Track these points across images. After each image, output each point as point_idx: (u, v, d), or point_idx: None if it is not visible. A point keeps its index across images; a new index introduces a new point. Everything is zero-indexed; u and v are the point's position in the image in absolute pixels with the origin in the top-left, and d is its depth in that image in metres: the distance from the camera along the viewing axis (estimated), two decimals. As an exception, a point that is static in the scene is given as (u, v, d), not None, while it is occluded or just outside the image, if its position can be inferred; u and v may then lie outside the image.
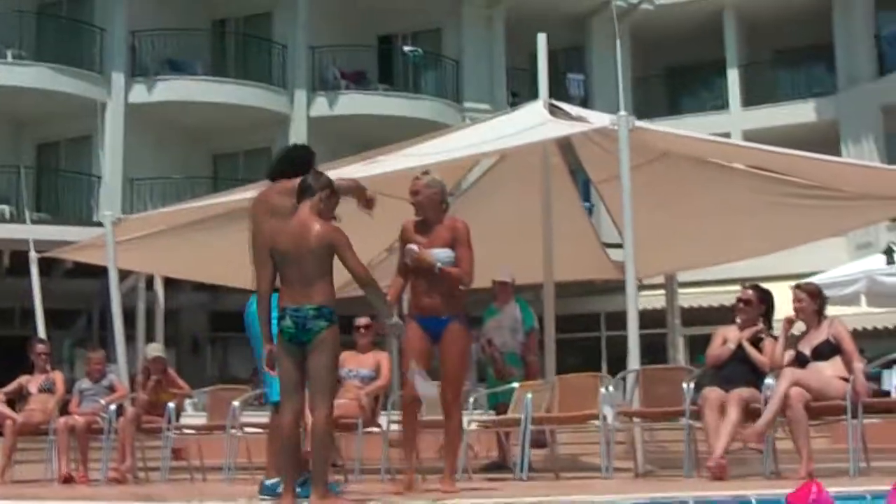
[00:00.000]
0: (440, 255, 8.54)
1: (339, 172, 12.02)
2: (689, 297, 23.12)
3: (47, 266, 21.46)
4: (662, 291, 19.69)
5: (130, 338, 23.33)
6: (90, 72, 28.11)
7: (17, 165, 22.04)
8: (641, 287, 21.11)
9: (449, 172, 13.88)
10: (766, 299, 10.08)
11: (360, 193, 8.64)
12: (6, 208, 24.93)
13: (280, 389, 7.63)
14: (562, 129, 12.00)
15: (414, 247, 8.57)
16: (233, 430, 11.56)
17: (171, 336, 26.67)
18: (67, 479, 11.79)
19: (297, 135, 28.98)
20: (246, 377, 24.29)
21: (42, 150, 28.99)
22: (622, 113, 10.55)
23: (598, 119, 11.83)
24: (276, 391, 7.99)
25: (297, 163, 8.51)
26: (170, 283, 24.02)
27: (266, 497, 7.96)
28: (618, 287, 14.70)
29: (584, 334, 27.68)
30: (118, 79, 28.38)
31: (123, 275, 24.22)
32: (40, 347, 13.24)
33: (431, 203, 8.79)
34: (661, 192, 13.23)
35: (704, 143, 13.08)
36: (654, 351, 20.77)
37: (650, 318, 21.73)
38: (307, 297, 7.51)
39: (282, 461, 7.66)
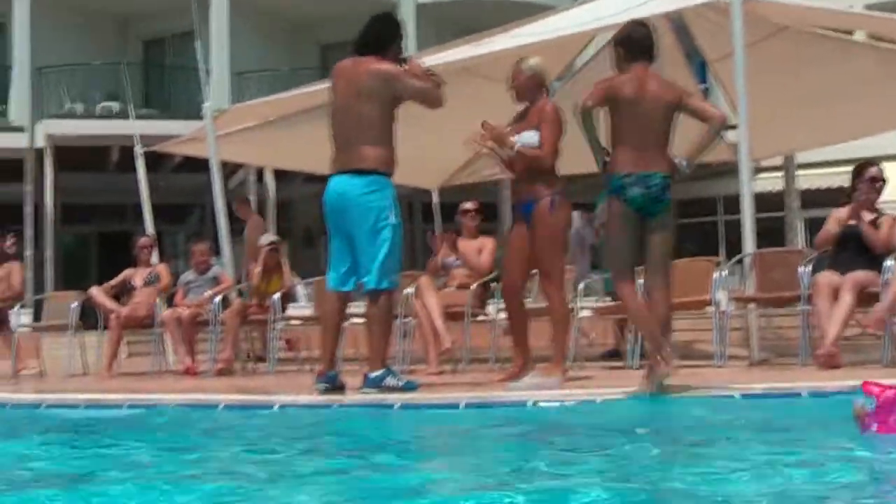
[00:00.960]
0: (525, 136, 8.22)
1: (446, 55, 11.83)
2: (808, 179, 22.63)
3: (156, 162, 21.60)
4: (780, 173, 19.30)
5: (238, 230, 23.64)
6: (194, -35, 27.89)
7: (119, 62, 21.83)
8: (758, 169, 21.00)
9: (556, 54, 13.60)
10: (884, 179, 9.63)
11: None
12: (114, 104, 24.94)
13: (614, 264, 7.23)
14: (673, 3, 11.54)
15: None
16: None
17: (284, 228, 26.80)
18: (189, 371, 11.82)
19: (406, 21, 28.61)
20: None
21: (149, 45, 28.90)
22: (736, -18, 10.05)
23: (714, -1, 11.39)
24: (374, 278, 7.80)
25: (381, 39, 8.11)
26: (281, 174, 24.08)
27: (370, 389, 7.72)
28: (735, 170, 14.29)
29: (702, 219, 27.31)
30: (224, -29, 28.12)
31: (233, 168, 24.56)
32: (143, 241, 13.29)
33: (529, 89, 8.46)
34: (777, 69, 12.79)
35: (824, 13, 12.53)
36: (772, 235, 20.35)
37: (768, 201, 21.39)
38: (658, 164, 7.09)
39: (650, 339, 7.16)
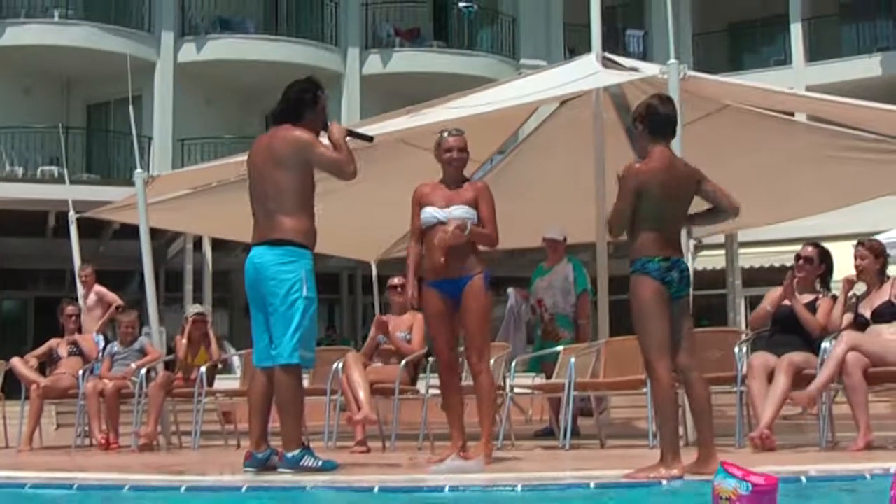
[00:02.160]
0: (462, 213, 8.14)
1: (385, 125, 11.67)
2: (750, 258, 22.60)
3: (97, 228, 21.33)
4: (722, 251, 19.32)
5: (177, 300, 23.33)
6: (139, 31, 27.86)
7: (59, 125, 21.59)
8: (701, 247, 20.93)
9: (499, 126, 13.50)
10: (826, 259, 9.46)
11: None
12: (55, 168, 24.65)
13: (653, 347, 6.76)
14: (611, 78, 11.47)
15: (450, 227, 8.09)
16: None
17: (222, 298, 26.53)
18: (105, 444, 11.47)
19: (350, 93, 28.81)
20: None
21: (92, 110, 28.69)
22: (672, 61, 9.96)
23: (652, 71, 11.30)
24: (284, 351, 7.51)
25: (297, 105, 7.81)
26: (220, 244, 23.79)
27: (287, 470, 7.43)
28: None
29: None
30: (167, 38, 28.15)
31: (173, 236, 24.26)
32: (70, 309, 13.00)
33: (464, 163, 8.41)
34: (719, 147, 12.70)
35: (759, 91, 12.53)
36: (714, 313, 20.34)
37: (710, 279, 21.43)
38: (681, 249, 6.94)
39: (664, 423, 6.74)
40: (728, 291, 19.70)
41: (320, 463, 7.46)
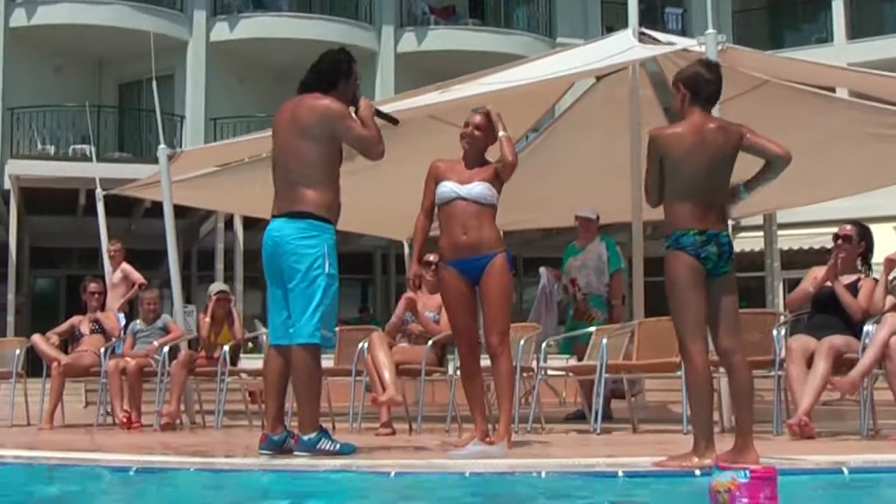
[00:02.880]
0: (481, 189, 7.86)
1: (416, 101, 11.42)
2: (789, 239, 22.26)
3: (128, 207, 21.21)
4: (761, 233, 18.97)
5: (208, 278, 23.17)
6: (171, 10, 27.72)
7: (86, 103, 21.42)
8: (739, 228, 20.61)
9: (533, 103, 13.22)
10: (866, 237, 9.10)
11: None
12: (86, 147, 24.53)
13: (686, 323, 6.38)
14: (646, 51, 11.16)
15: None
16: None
17: (254, 277, 26.32)
18: (127, 423, 11.23)
19: (385, 71, 28.56)
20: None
21: (124, 89, 28.55)
22: (710, 31, 9.64)
23: (688, 43, 11.00)
24: (303, 330, 7.24)
25: (330, 75, 7.47)
26: (251, 222, 23.61)
27: (303, 453, 7.17)
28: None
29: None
30: (199, 17, 28.14)
31: (205, 214, 24.12)
32: (92, 286, 12.77)
33: (479, 142, 8.10)
34: (757, 125, 12.27)
35: (801, 65, 12.18)
36: (752, 295, 19.97)
37: (748, 261, 21.05)
38: (724, 221, 6.51)
39: (698, 408, 6.40)
40: (766, 273, 19.32)
41: (338, 446, 7.17)
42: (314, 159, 7.26)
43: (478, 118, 8.06)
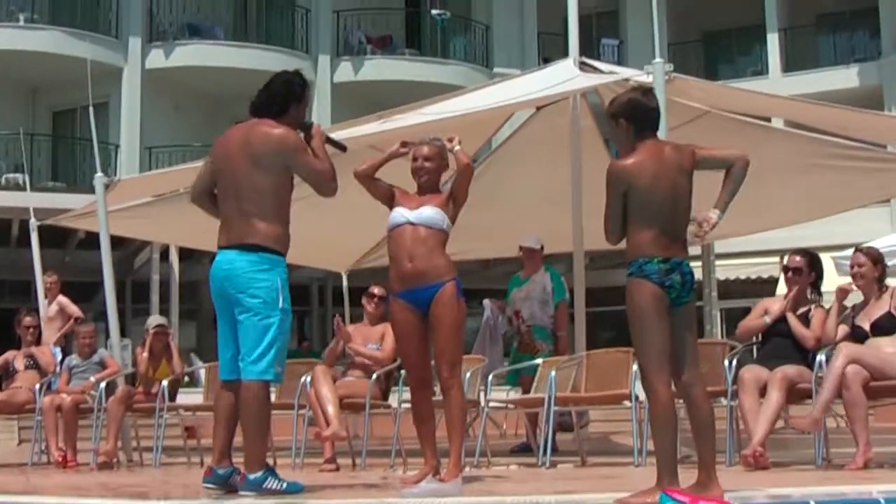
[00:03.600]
0: (431, 213, 7.59)
1: (355, 130, 11.28)
2: (726, 269, 22.32)
3: (62, 238, 20.89)
4: (699, 263, 18.99)
5: (143, 311, 22.87)
6: (106, 36, 27.45)
7: (19, 130, 21.12)
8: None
9: (472, 134, 13.10)
10: (815, 266, 9.06)
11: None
12: (19, 176, 24.19)
13: (652, 360, 6.19)
14: (590, 80, 11.12)
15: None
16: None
17: (191, 310, 26.09)
18: (63, 462, 10.93)
19: (321, 101, 28.50)
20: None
21: (57, 117, 28.18)
22: (658, 60, 9.61)
23: (633, 72, 10.95)
24: (255, 368, 6.95)
25: (282, 99, 7.19)
26: (188, 253, 23.36)
27: (248, 493, 6.96)
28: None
29: (620, 307, 26.85)
30: (135, 43, 27.76)
31: (139, 246, 23.82)
32: (27, 320, 12.49)
33: (432, 174, 7.85)
34: None
35: (747, 94, 12.21)
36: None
37: (686, 291, 21.07)
38: (685, 249, 6.31)
39: (662, 442, 6.23)
40: (705, 303, 19.43)
41: (284, 485, 6.91)
42: (266, 189, 6.99)
43: (425, 149, 7.82)
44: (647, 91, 6.75)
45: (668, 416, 6.20)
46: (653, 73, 9.63)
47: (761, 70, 30.63)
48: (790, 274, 9.00)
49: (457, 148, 7.74)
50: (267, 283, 6.95)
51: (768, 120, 13.92)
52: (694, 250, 18.50)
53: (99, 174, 12.42)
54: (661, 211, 6.21)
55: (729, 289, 22.32)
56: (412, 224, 7.58)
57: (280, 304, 6.97)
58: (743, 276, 24.42)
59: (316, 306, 29.02)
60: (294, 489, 6.92)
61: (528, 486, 7.14)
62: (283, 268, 7.07)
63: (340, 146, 7.73)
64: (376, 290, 10.58)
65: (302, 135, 7.19)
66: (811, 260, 9.08)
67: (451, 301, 7.52)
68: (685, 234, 6.36)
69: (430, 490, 6.77)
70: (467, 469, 8.65)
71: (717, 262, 19.58)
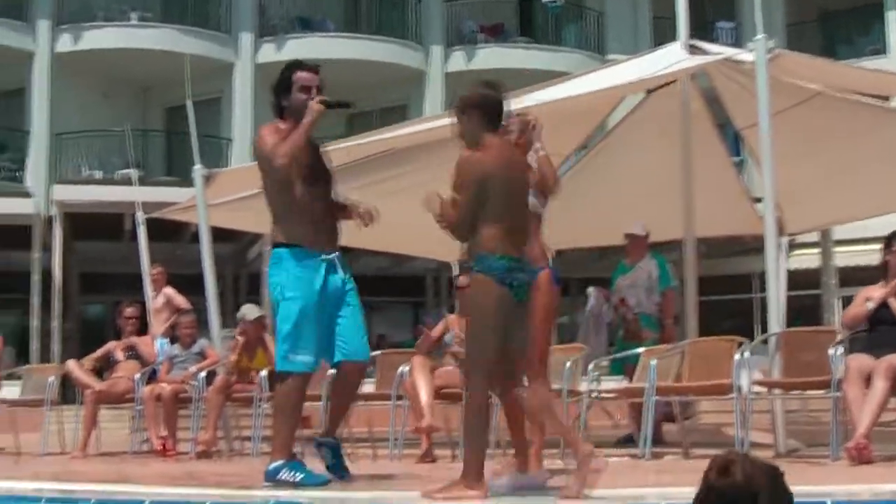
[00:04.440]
0: None
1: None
2: (846, 256, 21.74)
3: (175, 231, 21.01)
4: (817, 250, 18.58)
5: (256, 303, 22.91)
6: (217, 32, 27.67)
7: (126, 126, 21.24)
8: (794, 245, 20.14)
9: (581, 120, 12.91)
10: None
11: None
12: (132, 171, 24.46)
13: (481, 365, 6.20)
14: (693, 61, 10.83)
15: None
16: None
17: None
18: (163, 451, 10.98)
19: (433, 91, 28.39)
20: (389, 341, 23.60)
21: (170, 113, 28.40)
22: (760, 36, 9.29)
23: (737, 51, 10.69)
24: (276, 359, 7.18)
25: (274, 101, 7.46)
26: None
27: (267, 483, 6.90)
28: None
29: (737, 296, 26.47)
30: (246, 39, 28.03)
31: (253, 238, 23.89)
32: (129, 311, 12.60)
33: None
34: (812, 138, 12.13)
35: (856, 71, 11.82)
36: (807, 313, 19.54)
37: (804, 279, 20.61)
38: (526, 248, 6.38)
39: (473, 441, 6.30)
40: (823, 291, 18.96)
41: (300, 477, 6.84)
42: (268, 192, 7.28)
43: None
44: (495, 84, 6.59)
45: (483, 418, 6.29)
46: (755, 51, 9.28)
47: (880, 49, 29.85)
48: (888, 257, 8.66)
49: (536, 145, 7.51)
50: (275, 278, 7.12)
51: (886, 99, 13.49)
52: (811, 237, 18.14)
53: (197, 166, 12.46)
54: (510, 208, 6.18)
55: (849, 276, 21.77)
56: None
57: (285, 295, 7.03)
58: (864, 263, 23.79)
59: (431, 297, 28.94)
60: (311, 482, 6.83)
61: (617, 478, 6.87)
62: (289, 258, 7.07)
63: (343, 104, 7.63)
64: (463, 279, 10.44)
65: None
66: None
67: (545, 288, 7.26)
68: (529, 235, 6.46)
69: (514, 482, 6.62)
70: (561, 461, 8.42)
71: (837, 249, 19.08)
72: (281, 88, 7.31)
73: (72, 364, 12.33)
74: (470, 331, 6.25)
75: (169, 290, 14.76)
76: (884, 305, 8.50)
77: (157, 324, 14.12)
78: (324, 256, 7.09)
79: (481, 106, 6.31)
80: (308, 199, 7.11)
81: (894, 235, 8.87)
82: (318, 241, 7.11)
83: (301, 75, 7.34)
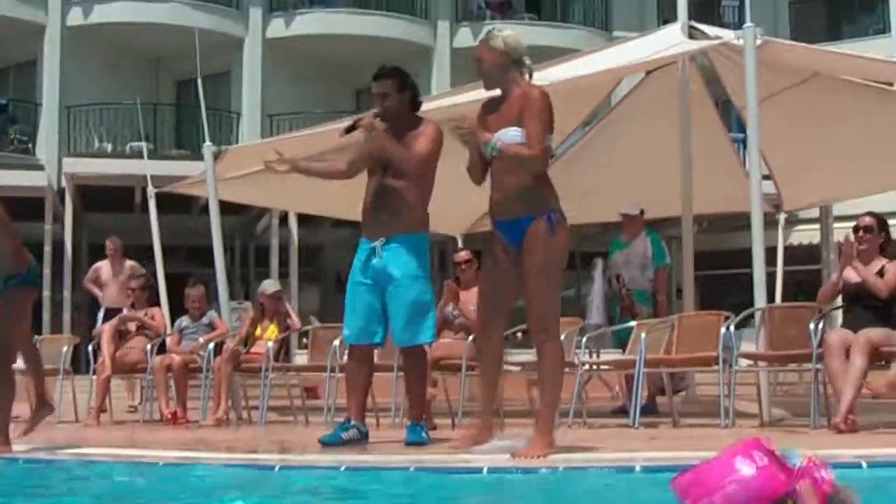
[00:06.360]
0: (505, 135, 6.65)
1: (467, 96, 11.34)
2: (845, 232, 21.97)
3: (186, 204, 21.27)
4: (817, 226, 18.85)
5: (265, 275, 23.24)
6: (227, 7, 27.86)
7: (137, 99, 21.43)
8: (795, 221, 20.39)
9: (582, 98, 13.14)
10: (884, 227, 9.15)
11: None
12: (143, 144, 24.70)
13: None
14: (689, 45, 11.09)
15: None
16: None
17: (311, 273, 26.41)
18: (172, 420, 11.28)
19: (440, 66, 28.50)
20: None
21: (181, 86, 28.68)
22: (748, 25, 9.55)
23: (728, 36, 10.91)
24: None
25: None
26: (308, 219, 23.63)
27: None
28: (773, 221, 13.74)
29: (737, 270, 26.64)
30: (256, 14, 28.28)
31: (261, 211, 24.17)
32: (137, 282, 12.83)
33: (497, 69, 6.96)
34: (810, 117, 12.46)
35: (838, 57, 12.09)
36: (809, 288, 19.77)
37: (804, 254, 20.88)
38: None
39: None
40: (822, 266, 19.19)
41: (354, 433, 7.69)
42: None
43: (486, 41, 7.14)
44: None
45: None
46: (743, 38, 9.55)
47: (883, 28, 29.97)
48: (860, 233, 9.05)
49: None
50: None
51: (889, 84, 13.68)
52: (811, 213, 18.39)
53: (207, 143, 12.75)
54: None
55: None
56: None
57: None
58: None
59: (438, 270, 29.13)
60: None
61: (609, 444, 7.18)
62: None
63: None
64: (461, 255, 10.76)
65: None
66: (880, 221, 9.15)
67: (538, 240, 6.58)
68: None
69: (501, 447, 6.67)
70: (561, 429, 8.70)
71: (836, 225, 19.30)
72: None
73: (106, 328, 12.54)
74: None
75: (131, 263, 15.10)
76: (856, 282, 8.82)
77: (122, 295, 14.27)
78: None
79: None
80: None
81: (857, 228, 9.16)
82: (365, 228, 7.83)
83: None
